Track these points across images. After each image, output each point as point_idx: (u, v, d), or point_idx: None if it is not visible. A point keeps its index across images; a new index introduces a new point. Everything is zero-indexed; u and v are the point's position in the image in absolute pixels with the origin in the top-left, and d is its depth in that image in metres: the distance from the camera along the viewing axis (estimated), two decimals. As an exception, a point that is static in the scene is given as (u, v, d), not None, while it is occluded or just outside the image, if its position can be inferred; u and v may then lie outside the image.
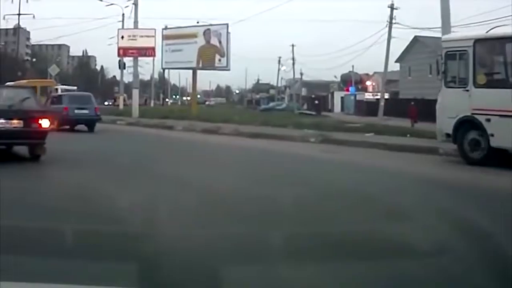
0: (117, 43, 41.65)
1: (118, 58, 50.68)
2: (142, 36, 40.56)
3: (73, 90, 48.41)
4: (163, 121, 30.69)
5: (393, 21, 46.41)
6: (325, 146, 18.38)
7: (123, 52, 41.87)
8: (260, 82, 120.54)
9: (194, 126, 26.43)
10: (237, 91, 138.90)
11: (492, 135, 13.81)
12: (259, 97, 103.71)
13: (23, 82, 38.47)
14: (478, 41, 14.39)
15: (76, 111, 25.72)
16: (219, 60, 41.41)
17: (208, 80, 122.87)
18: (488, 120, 13.89)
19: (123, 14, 52.09)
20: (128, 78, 66.52)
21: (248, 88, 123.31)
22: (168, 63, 44.30)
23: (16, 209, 7.04)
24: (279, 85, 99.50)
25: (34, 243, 5.16)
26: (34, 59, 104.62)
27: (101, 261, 4.71)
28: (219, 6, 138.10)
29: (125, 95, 57.74)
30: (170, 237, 5.90)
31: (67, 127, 24.93)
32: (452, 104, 14.74)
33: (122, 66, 52.56)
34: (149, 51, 41.72)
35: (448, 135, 14.94)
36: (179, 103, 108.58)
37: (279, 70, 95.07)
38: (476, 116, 14.13)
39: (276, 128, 24.94)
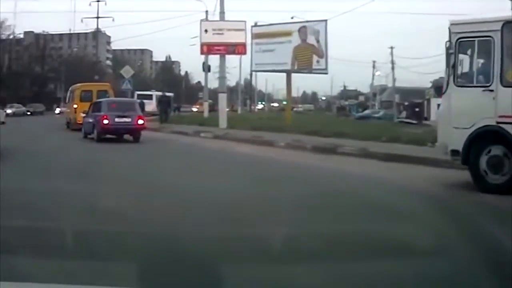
0: (200, 38, 35.12)
1: (202, 61, 45.77)
2: (230, 30, 33.96)
3: (169, 97, 44.15)
4: (257, 133, 24.77)
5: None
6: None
7: (207, 49, 34.99)
8: (346, 88, 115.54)
9: (301, 142, 20.33)
10: (324, 98, 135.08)
11: None
12: (348, 104, 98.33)
13: (78, 85, 34.23)
14: (509, 23, 10.79)
15: (116, 119, 23.24)
16: (317, 61, 35.29)
17: (294, 85, 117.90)
18: None
19: (206, 11, 46.75)
20: (212, 83, 61.78)
21: (333, 94, 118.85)
22: (259, 65, 37.43)
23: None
24: (368, 91, 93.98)
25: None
26: (108, 62, 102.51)
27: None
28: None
29: (210, 101, 52.60)
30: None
31: (113, 136, 23.61)
32: (466, 110, 11.19)
33: (206, 68, 46.72)
34: (238, 48, 34.87)
35: (455, 152, 11.30)
36: (266, 109, 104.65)
37: (373, 75, 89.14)
38: (504, 126, 10.66)
39: (411, 146, 18.46)
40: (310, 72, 38.19)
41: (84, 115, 26.42)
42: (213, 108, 50.14)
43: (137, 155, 18.72)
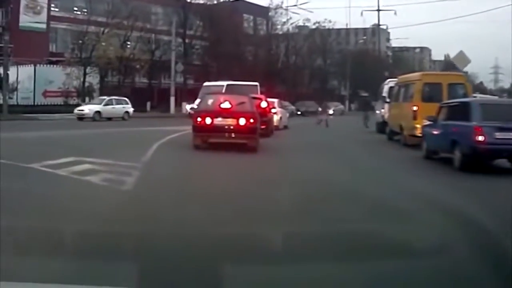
0: None
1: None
2: None
3: None
4: None
5: None
6: None
7: None
8: None
9: None
10: None
11: None
12: None
13: (415, 75, 24.33)
14: None
15: (497, 134, 14.36)
16: None
17: None
18: None
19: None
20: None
21: None
22: None
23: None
24: None
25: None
26: (391, 60, 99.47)
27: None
28: None
29: None
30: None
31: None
32: None
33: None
34: None
35: None
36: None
37: None
38: None
39: None
40: None
41: (427, 122, 18.22)
42: None
43: None
